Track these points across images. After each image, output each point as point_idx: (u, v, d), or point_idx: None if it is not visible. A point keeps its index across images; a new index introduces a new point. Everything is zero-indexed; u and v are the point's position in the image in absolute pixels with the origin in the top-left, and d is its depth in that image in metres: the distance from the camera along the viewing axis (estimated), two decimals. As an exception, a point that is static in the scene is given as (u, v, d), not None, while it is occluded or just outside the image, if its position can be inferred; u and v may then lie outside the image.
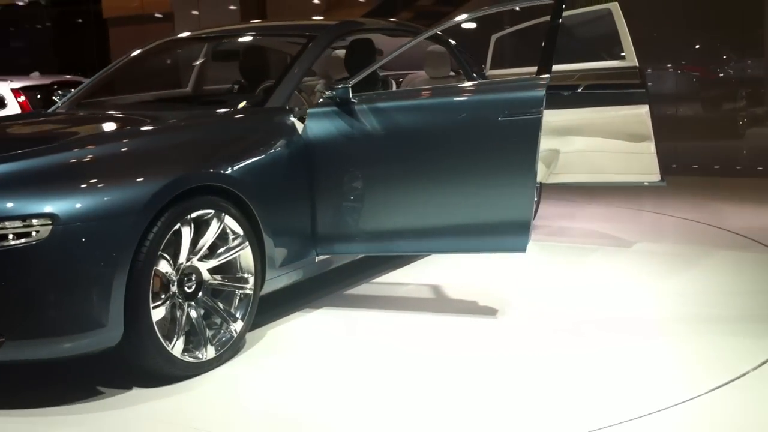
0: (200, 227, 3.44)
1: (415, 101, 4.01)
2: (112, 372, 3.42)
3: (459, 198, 3.86)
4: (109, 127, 4.02)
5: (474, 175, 3.83)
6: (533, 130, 3.73)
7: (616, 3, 5.00)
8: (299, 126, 4.01)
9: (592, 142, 5.30)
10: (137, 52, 5.08)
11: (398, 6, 11.68)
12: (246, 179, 3.62)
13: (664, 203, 6.92)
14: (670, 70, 11.49)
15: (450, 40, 5.68)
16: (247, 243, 3.60)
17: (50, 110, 4.74)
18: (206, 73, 5.76)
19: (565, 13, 5.36)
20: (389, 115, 3.93)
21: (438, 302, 4.38)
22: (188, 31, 5.63)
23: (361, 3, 13.79)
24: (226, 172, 3.53)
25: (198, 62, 5.67)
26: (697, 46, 11.75)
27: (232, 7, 13.42)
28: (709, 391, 3.06)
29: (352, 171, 4.00)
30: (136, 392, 3.25)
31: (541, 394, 3.11)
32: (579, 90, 5.30)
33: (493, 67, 5.55)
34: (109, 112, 4.47)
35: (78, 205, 3.01)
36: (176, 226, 3.27)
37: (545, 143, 5.40)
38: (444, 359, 3.51)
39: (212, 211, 3.44)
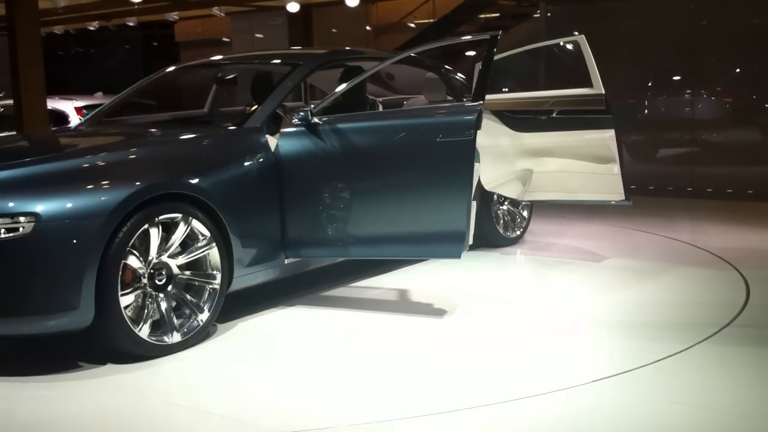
0: (170, 229, 4.02)
1: (366, 123, 4.54)
2: (91, 350, 4.02)
3: (404, 209, 4.36)
4: (99, 141, 4.66)
5: (417, 190, 4.33)
6: (467, 150, 4.19)
7: (583, 36, 5.41)
8: (273, 144, 4.57)
9: (562, 163, 5.71)
10: (154, 76, 5.75)
11: (431, 35, 12.19)
12: (213, 188, 4.18)
13: (660, 224, 7.21)
14: (704, 96, 11.64)
15: (445, 68, 6.19)
16: (214, 244, 4.16)
17: (73, 126, 5.43)
18: (222, 96, 6.40)
19: (538, 44, 5.83)
20: (346, 135, 4.46)
21: (402, 304, 4.85)
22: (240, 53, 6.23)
23: (411, 28, 14.34)
24: (193, 182, 4.10)
25: (214, 86, 6.32)
26: (737, 70, 11.86)
27: (283, 32, 14.17)
28: (590, 382, 3.48)
29: (315, 184, 4.54)
30: (110, 367, 3.84)
31: (460, 367, 3.58)
32: (553, 115, 5.72)
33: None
34: (111, 129, 5.13)
35: (57, 207, 3.63)
36: (144, 227, 3.86)
37: (522, 163, 5.85)
38: (402, 350, 4.01)
39: (179, 215, 4.02)
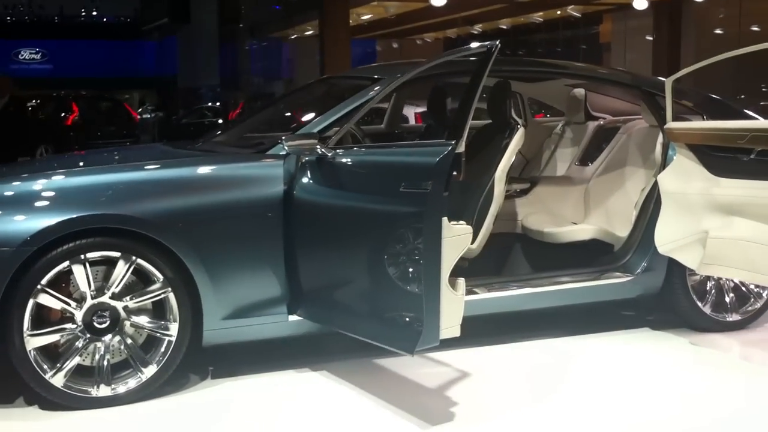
0: (111, 266, 3.53)
1: (354, 158, 3.52)
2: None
3: (366, 281, 3.29)
4: (89, 163, 4.30)
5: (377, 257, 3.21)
6: (426, 209, 2.94)
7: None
8: (288, 175, 3.77)
9: (752, 227, 3.86)
10: (292, 92, 5.28)
11: None
12: (174, 224, 3.55)
13: None
14: None
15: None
16: (169, 289, 3.58)
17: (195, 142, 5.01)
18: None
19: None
20: (337, 173, 3.53)
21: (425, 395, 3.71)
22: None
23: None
24: (140, 217, 3.50)
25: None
26: None
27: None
28: None
29: (312, 228, 3.65)
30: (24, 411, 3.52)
31: None
32: (752, 156, 3.91)
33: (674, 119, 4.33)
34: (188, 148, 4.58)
35: (-35, 232, 3.39)
36: (63, 264, 3.43)
37: (708, 221, 4.14)
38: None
39: (118, 254, 3.51)
